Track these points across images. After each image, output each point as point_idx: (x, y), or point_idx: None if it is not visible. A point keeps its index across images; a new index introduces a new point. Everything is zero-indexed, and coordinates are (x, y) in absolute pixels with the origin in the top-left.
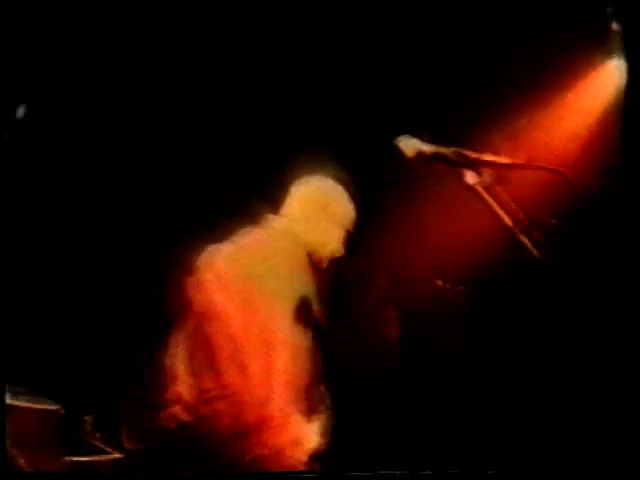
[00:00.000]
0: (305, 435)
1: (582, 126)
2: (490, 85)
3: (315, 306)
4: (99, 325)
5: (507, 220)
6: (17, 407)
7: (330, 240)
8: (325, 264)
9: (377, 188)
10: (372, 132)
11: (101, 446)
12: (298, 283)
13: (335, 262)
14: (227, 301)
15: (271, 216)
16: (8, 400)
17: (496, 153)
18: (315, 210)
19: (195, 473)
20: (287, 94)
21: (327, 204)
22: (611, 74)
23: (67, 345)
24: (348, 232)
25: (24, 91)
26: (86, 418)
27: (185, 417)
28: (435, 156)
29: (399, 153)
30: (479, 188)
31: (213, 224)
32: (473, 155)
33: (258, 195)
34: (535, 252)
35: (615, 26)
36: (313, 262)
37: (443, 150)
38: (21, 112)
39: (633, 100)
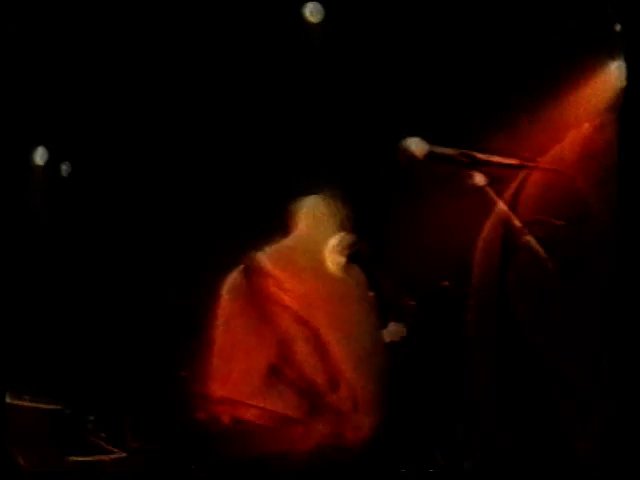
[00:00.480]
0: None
1: (583, 126)
2: (492, 87)
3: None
4: (104, 325)
5: (514, 220)
6: (20, 406)
7: (335, 245)
8: (335, 267)
9: (384, 190)
10: (379, 134)
11: (105, 446)
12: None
13: (344, 266)
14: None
15: (294, 230)
16: (11, 400)
17: (501, 154)
18: (318, 223)
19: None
20: (296, 99)
21: (326, 217)
22: (611, 74)
23: (71, 345)
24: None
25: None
26: (90, 418)
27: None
28: (443, 158)
29: (408, 155)
30: (487, 189)
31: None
32: (481, 156)
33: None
34: (541, 252)
35: (616, 26)
36: (326, 265)
37: (451, 152)
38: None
39: (633, 100)
